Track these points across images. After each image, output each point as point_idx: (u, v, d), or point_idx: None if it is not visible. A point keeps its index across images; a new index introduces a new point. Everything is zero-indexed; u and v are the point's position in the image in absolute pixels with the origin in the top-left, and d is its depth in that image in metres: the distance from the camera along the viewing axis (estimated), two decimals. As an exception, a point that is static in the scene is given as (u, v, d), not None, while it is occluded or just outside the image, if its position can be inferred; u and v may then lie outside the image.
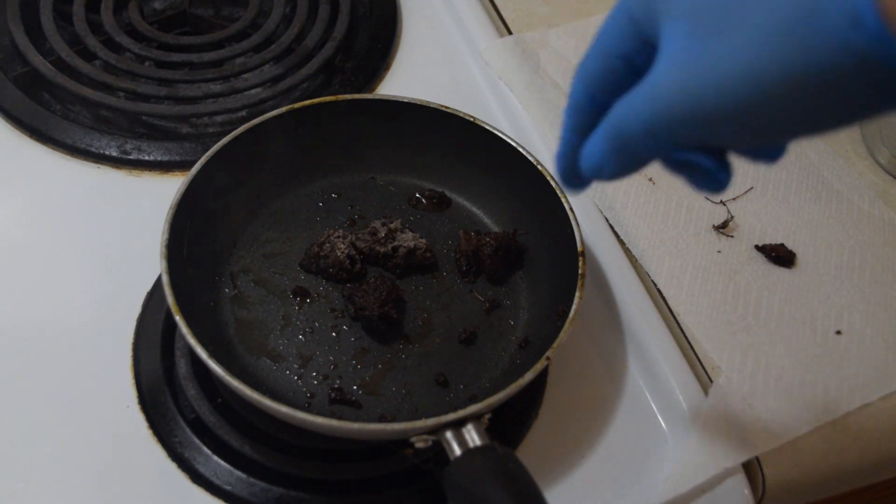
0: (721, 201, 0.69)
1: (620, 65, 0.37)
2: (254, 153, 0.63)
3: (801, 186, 0.71)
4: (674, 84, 0.33)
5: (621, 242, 0.67)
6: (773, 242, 0.67)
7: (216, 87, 0.74)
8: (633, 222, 0.67)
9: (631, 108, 0.35)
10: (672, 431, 0.58)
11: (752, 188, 0.71)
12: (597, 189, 0.69)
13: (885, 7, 0.27)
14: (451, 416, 0.49)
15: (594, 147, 0.38)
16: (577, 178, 0.42)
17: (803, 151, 0.74)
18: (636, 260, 0.66)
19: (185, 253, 0.58)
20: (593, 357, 0.62)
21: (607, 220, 0.68)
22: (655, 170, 0.71)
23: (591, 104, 0.39)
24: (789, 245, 0.67)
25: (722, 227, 0.68)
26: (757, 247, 0.67)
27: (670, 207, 0.69)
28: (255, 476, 0.54)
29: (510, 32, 0.81)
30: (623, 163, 0.37)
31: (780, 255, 0.66)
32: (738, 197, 0.70)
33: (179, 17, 0.82)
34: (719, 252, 0.66)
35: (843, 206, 0.70)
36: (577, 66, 0.40)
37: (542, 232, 0.62)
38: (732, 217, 0.68)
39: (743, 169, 0.72)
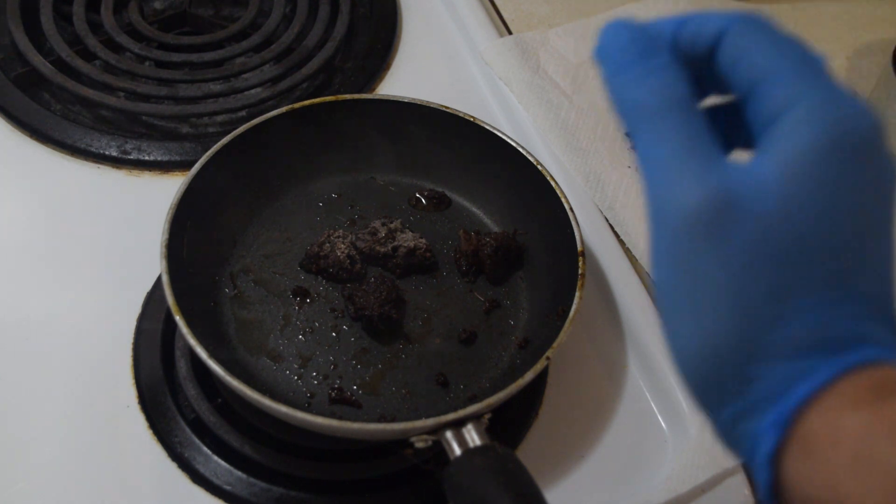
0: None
1: None
2: (254, 153, 0.63)
3: None
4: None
5: (621, 242, 0.67)
6: None
7: (216, 87, 0.74)
8: (632, 222, 0.67)
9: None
10: (672, 431, 0.58)
11: None
12: (597, 189, 0.69)
13: (781, 481, 0.28)
14: (451, 416, 0.49)
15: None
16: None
17: None
18: (636, 260, 0.66)
19: (185, 253, 0.57)
20: (593, 357, 0.62)
21: (607, 220, 0.68)
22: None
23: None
24: None
25: None
26: None
27: None
28: (255, 476, 0.54)
29: (510, 32, 0.81)
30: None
31: None
32: None
33: (179, 17, 0.82)
34: None
35: None
36: None
37: (542, 232, 0.62)
38: None
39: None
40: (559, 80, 0.77)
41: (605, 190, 0.69)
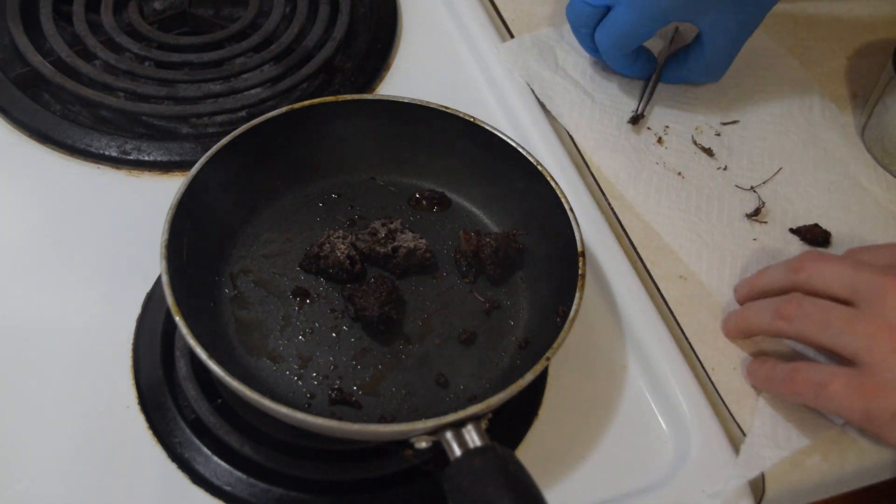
0: (751, 188, 0.69)
1: None
2: (254, 153, 0.63)
3: (828, 164, 0.71)
4: None
5: (621, 243, 0.67)
6: (807, 224, 0.67)
7: (216, 87, 0.74)
8: (667, 215, 0.68)
9: None
10: (672, 431, 0.58)
11: (780, 169, 0.70)
12: (628, 186, 0.69)
13: None
14: (451, 417, 0.49)
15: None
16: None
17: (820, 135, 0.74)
18: (636, 260, 0.66)
19: (185, 253, 0.57)
20: (593, 357, 0.62)
21: (607, 221, 0.68)
22: (684, 163, 0.71)
23: None
24: (823, 225, 0.67)
25: (754, 215, 0.67)
26: (791, 230, 0.67)
27: (702, 201, 0.69)
28: (256, 477, 0.54)
29: (510, 32, 0.81)
30: None
31: (815, 236, 0.66)
32: (767, 181, 0.70)
33: (179, 18, 0.81)
34: (755, 240, 0.66)
35: (871, 177, 0.70)
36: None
37: (542, 232, 0.62)
38: (764, 203, 0.68)
39: (769, 152, 0.72)
40: (578, 77, 0.77)
41: (636, 186, 0.69)
